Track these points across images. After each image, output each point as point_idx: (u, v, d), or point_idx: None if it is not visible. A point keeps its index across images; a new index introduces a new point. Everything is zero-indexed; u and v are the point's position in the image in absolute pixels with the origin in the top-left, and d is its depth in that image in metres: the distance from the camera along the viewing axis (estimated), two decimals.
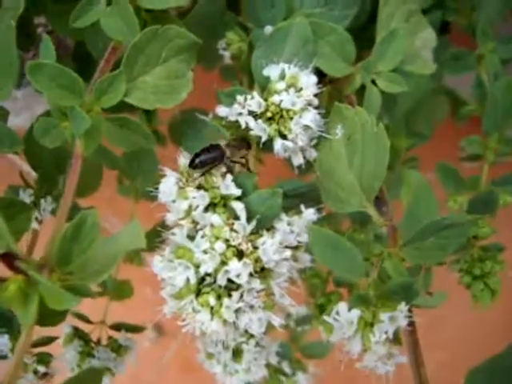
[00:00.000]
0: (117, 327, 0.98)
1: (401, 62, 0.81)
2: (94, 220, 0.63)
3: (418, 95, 0.96)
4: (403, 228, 0.72)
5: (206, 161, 0.69)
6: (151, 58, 0.69)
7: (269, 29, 0.80)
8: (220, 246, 0.65)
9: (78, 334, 0.96)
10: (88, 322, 0.98)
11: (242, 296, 0.67)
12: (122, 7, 0.72)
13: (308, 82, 0.73)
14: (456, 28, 1.08)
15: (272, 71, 0.73)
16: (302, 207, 0.72)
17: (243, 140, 0.73)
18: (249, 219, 0.67)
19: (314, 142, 0.74)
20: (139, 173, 0.98)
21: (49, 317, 0.65)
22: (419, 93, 0.95)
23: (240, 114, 0.72)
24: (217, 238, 0.66)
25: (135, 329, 0.98)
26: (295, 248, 0.70)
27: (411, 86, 0.82)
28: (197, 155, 0.69)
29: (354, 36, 0.83)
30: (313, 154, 0.74)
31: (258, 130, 0.71)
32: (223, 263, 0.65)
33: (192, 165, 0.69)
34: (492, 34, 0.97)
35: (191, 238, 0.68)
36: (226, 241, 0.66)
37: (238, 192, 0.68)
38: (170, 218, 0.69)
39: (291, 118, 0.71)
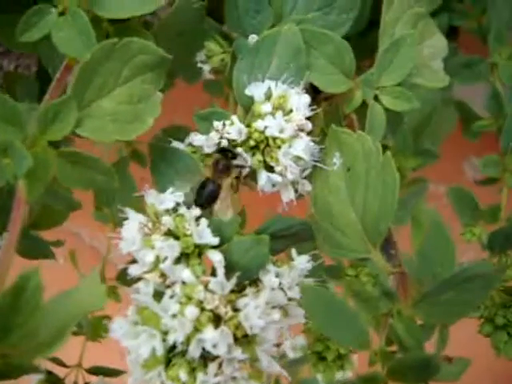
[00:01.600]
0: (94, 371, 0.83)
1: (408, 75, 0.65)
2: (37, 283, 0.48)
3: (427, 109, 0.80)
4: (415, 275, 0.56)
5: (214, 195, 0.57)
6: (108, 78, 0.54)
7: (253, 38, 0.64)
8: (192, 311, 0.49)
9: (51, 379, 0.81)
10: (63, 365, 0.83)
11: (220, 367, 0.51)
12: (77, 17, 0.57)
13: (299, 102, 0.57)
14: (463, 33, 0.93)
15: (256, 90, 0.58)
16: (294, 253, 0.57)
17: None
18: (228, 273, 0.52)
19: (308, 171, 0.58)
20: (115, 198, 0.83)
21: None
22: (428, 106, 0.80)
23: (218, 144, 0.57)
24: (189, 299, 0.50)
25: (114, 372, 0.82)
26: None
27: (419, 100, 0.66)
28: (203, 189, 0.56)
29: (352, 44, 0.67)
30: (306, 187, 0.58)
31: (239, 161, 0.56)
32: (196, 330, 0.50)
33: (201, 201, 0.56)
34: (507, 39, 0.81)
35: (160, 295, 0.52)
36: (200, 303, 0.50)
37: (214, 241, 0.52)
38: (135, 271, 0.54)
39: (279, 148, 0.56)
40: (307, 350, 0.76)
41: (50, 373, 0.82)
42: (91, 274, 0.56)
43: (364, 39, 0.84)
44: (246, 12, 0.67)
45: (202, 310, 0.50)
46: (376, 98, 0.64)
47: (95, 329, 0.85)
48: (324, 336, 0.72)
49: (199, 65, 0.70)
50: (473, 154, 1.24)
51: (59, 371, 0.83)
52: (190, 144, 0.61)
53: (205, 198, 0.56)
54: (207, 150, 0.57)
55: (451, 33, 0.85)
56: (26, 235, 0.75)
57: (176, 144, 0.62)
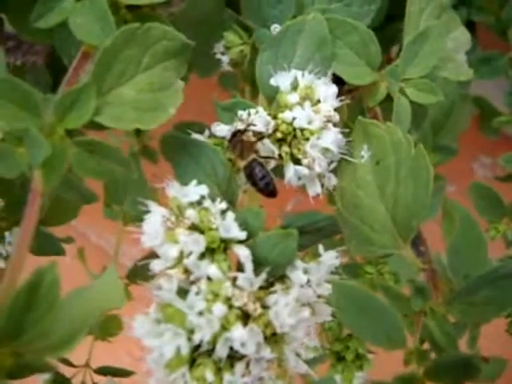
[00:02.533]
0: (102, 371, 0.80)
1: (433, 67, 0.62)
2: (53, 278, 0.45)
3: (447, 103, 0.78)
4: (446, 272, 0.53)
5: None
6: (129, 65, 0.50)
7: (276, 28, 0.61)
8: (219, 308, 0.46)
9: (58, 379, 0.78)
10: (70, 365, 0.80)
11: (247, 367, 0.48)
12: (95, 3, 0.54)
13: (327, 93, 0.54)
14: (480, 27, 0.90)
15: (282, 80, 0.55)
16: (321, 249, 0.54)
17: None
18: (256, 268, 0.49)
19: (334, 165, 0.56)
20: (126, 195, 0.79)
21: None
22: (447, 102, 0.77)
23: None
24: (215, 296, 0.47)
25: (123, 373, 0.79)
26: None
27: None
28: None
29: None
30: (332, 181, 0.55)
31: (265, 152, 0.53)
32: (224, 328, 0.47)
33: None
34: None
35: (184, 292, 0.49)
36: (228, 300, 0.47)
37: (241, 235, 0.49)
38: (157, 267, 0.51)
39: (307, 139, 0.53)
40: (321, 350, 0.73)
41: (57, 372, 0.79)
42: (108, 270, 0.52)
43: (382, 33, 0.81)
44: (267, 2, 0.64)
45: (230, 307, 0.47)
46: (401, 91, 0.62)
47: (103, 328, 0.82)
48: (343, 335, 0.69)
49: (218, 56, 0.67)
50: (483, 153, 1.22)
51: (66, 371, 0.80)
52: (212, 136, 0.58)
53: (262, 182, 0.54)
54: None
55: (468, 28, 0.83)
56: (37, 232, 0.72)
57: (196, 136, 0.59)
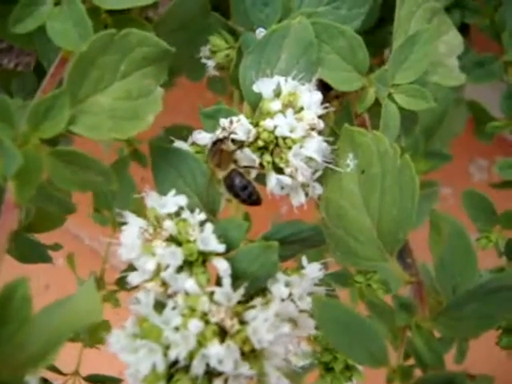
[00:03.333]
0: (92, 379, 0.78)
1: (423, 72, 0.60)
2: (24, 293, 0.43)
3: (439, 109, 0.75)
4: (434, 285, 0.51)
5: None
6: (106, 72, 0.48)
7: (261, 32, 0.59)
8: (195, 324, 0.44)
9: None
10: (59, 372, 0.78)
11: (226, 383, 0.46)
12: (73, 8, 0.52)
13: (311, 99, 0.52)
14: (475, 30, 0.87)
15: (264, 87, 0.53)
16: (304, 261, 0.51)
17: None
18: (235, 282, 0.47)
19: (319, 174, 0.53)
20: (114, 200, 0.77)
21: None
22: (439, 107, 0.75)
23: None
24: (192, 311, 0.45)
25: (113, 381, 0.77)
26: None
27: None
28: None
29: None
30: (317, 190, 0.53)
31: (246, 162, 0.51)
32: (200, 345, 0.45)
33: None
34: None
35: (162, 306, 0.47)
36: (204, 315, 0.45)
37: (220, 248, 0.47)
38: (134, 279, 0.49)
39: (289, 148, 0.50)
40: (311, 358, 0.71)
41: (45, 380, 0.77)
42: (87, 282, 0.50)
43: (373, 36, 0.79)
44: (254, 5, 0.62)
45: (207, 322, 0.45)
46: (390, 97, 0.59)
47: (93, 335, 0.80)
48: (331, 346, 0.67)
49: (203, 60, 0.65)
50: (479, 155, 1.20)
51: (55, 379, 0.78)
52: (194, 143, 0.56)
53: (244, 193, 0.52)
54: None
55: (462, 30, 0.80)
56: (22, 238, 0.70)
57: (179, 144, 0.57)
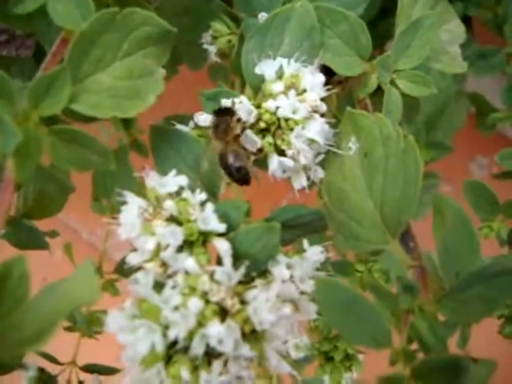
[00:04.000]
0: (89, 369, 0.77)
1: (426, 59, 0.59)
2: (22, 271, 0.42)
3: (441, 99, 0.75)
4: (436, 269, 0.51)
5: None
6: (107, 50, 0.48)
7: (263, 16, 0.59)
8: (195, 303, 0.43)
9: (43, 377, 0.75)
10: (56, 362, 0.77)
11: (225, 365, 0.46)
12: None
13: (313, 82, 0.52)
14: (477, 22, 0.87)
15: (266, 68, 0.52)
16: (305, 244, 0.51)
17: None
18: (235, 262, 0.46)
19: (321, 157, 0.53)
20: (114, 188, 0.77)
21: None
22: (441, 97, 0.74)
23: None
24: (192, 290, 0.45)
25: (110, 370, 0.76)
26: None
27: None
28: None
29: None
30: (319, 173, 0.53)
31: (248, 143, 0.50)
32: (200, 325, 0.44)
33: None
34: None
35: (160, 286, 0.47)
36: (204, 294, 0.44)
37: (221, 228, 0.46)
38: (134, 259, 0.48)
39: (291, 130, 0.50)
40: (311, 350, 0.70)
41: (42, 370, 0.76)
42: (84, 264, 0.50)
43: (375, 28, 0.79)
44: None
45: (207, 302, 0.44)
46: (392, 82, 0.59)
47: (91, 324, 0.79)
48: (332, 335, 0.66)
49: (205, 46, 0.64)
50: (479, 152, 1.19)
51: (52, 368, 0.77)
52: (196, 127, 0.55)
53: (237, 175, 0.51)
54: None
55: (464, 22, 0.80)
56: (20, 225, 0.70)
57: (180, 127, 0.56)
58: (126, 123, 0.78)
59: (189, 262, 0.45)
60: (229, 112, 0.49)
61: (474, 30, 0.85)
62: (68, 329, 0.79)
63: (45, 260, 0.83)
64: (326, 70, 0.59)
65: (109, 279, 0.79)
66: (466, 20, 0.84)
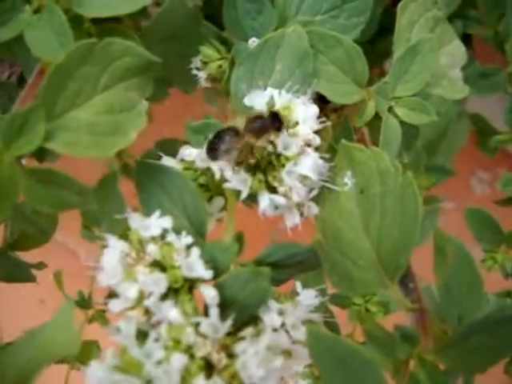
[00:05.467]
0: None
1: (425, 85, 0.56)
2: None
3: (442, 123, 0.71)
4: (438, 312, 0.47)
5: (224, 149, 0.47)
6: (86, 84, 0.44)
7: (254, 41, 0.55)
8: (179, 358, 0.40)
9: None
10: None
11: None
12: (54, 16, 0.48)
13: (306, 114, 0.48)
14: (478, 40, 0.83)
15: (256, 99, 0.49)
16: (299, 287, 0.47)
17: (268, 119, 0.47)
18: (224, 310, 0.43)
19: (315, 192, 0.49)
20: (103, 217, 0.73)
21: None
22: (442, 120, 0.70)
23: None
24: (176, 343, 0.41)
25: None
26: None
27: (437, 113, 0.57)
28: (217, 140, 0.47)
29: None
30: (313, 210, 0.49)
31: (237, 181, 0.46)
32: (185, 381, 0.41)
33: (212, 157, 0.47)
34: None
35: (144, 335, 0.43)
36: (189, 348, 0.41)
37: (207, 275, 0.43)
38: (116, 307, 0.44)
39: (283, 166, 0.46)
40: None
41: None
42: (64, 309, 0.46)
43: (373, 46, 0.76)
44: (247, 13, 0.58)
45: (192, 356, 0.41)
46: (390, 110, 0.55)
47: (81, 356, 0.75)
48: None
49: (194, 72, 0.60)
50: (481, 168, 1.15)
51: None
52: (183, 159, 0.52)
53: (224, 149, 0.46)
54: (200, 165, 0.48)
55: (465, 41, 0.76)
56: (6, 257, 0.66)
57: (166, 159, 0.53)
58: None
59: (172, 312, 0.41)
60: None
61: (474, 49, 0.81)
62: (58, 361, 0.75)
63: (43, 281, 0.79)
64: (321, 98, 0.56)
65: (99, 310, 0.76)
66: (467, 38, 0.80)
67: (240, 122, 0.51)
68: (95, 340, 0.80)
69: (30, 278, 0.66)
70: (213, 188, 0.52)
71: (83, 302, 0.75)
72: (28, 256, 0.73)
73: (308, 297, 0.46)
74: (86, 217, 0.75)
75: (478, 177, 1.16)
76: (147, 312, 0.44)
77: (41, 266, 0.68)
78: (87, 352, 0.76)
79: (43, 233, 0.50)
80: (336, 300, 0.65)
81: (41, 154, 0.63)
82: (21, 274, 0.65)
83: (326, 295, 0.53)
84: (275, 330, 0.44)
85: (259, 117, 0.47)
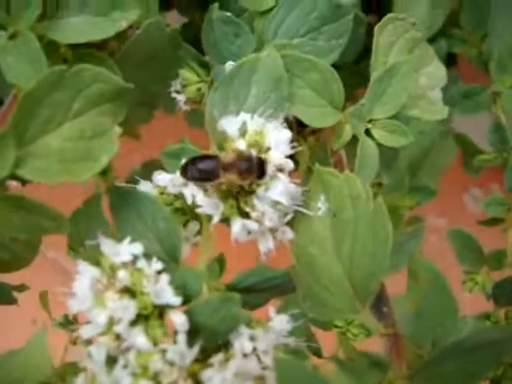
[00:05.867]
0: None
1: (402, 106, 0.56)
2: None
3: (425, 143, 0.71)
4: (411, 339, 0.47)
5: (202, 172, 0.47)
6: (57, 111, 0.44)
7: (231, 65, 0.56)
8: None
9: None
10: None
11: None
12: (28, 42, 0.48)
13: (278, 138, 0.48)
14: (463, 60, 0.83)
15: (228, 125, 0.49)
16: (272, 312, 0.47)
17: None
18: (193, 337, 0.42)
19: (290, 217, 0.49)
20: (88, 237, 0.73)
21: None
22: (425, 140, 0.70)
23: (185, 183, 0.47)
24: (144, 370, 0.41)
25: None
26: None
27: (417, 133, 0.57)
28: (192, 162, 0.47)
29: (346, 72, 0.58)
30: (288, 234, 0.49)
31: (208, 206, 0.46)
32: None
33: (185, 175, 0.47)
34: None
35: (114, 362, 0.43)
36: (156, 376, 0.41)
37: (175, 301, 0.43)
38: (86, 332, 0.44)
39: (254, 191, 0.46)
40: None
41: None
42: (38, 334, 0.46)
43: (358, 66, 0.76)
44: (224, 36, 0.58)
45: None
46: (367, 133, 0.55)
47: (63, 379, 0.75)
48: None
49: (173, 95, 0.61)
50: (474, 185, 1.15)
51: None
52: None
53: (197, 172, 0.47)
54: (172, 190, 0.48)
55: (449, 60, 0.76)
56: None
57: (143, 184, 0.53)
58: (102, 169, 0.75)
59: (139, 338, 0.41)
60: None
61: (460, 68, 0.81)
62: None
63: (35, 301, 0.79)
64: (299, 121, 0.56)
65: None
66: (452, 57, 0.81)
67: (214, 149, 0.51)
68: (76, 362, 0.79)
69: (11, 301, 0.66)
70: (189, 212, 0.52)
71: (67, 324, 0.75)
72: (17, 274, 0.73)
73: (280, 322, 0.46)
74: (72, 238, 0.75)
75: (471, 193, 1.15)
76: (118, 338, 0.44)
77: (23, 288, 0.68)
78: (69, 375, 0.76)
79: (21, 259, 0.50)
80: (318, 322, 0.64)
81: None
82: (2, 296, 0.65)
83: (305, 318, 0.53)
84: (245, 355, 0.44)
85: (249, 158, 0.46)
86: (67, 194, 0.79)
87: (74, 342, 0.74)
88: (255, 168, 0.46)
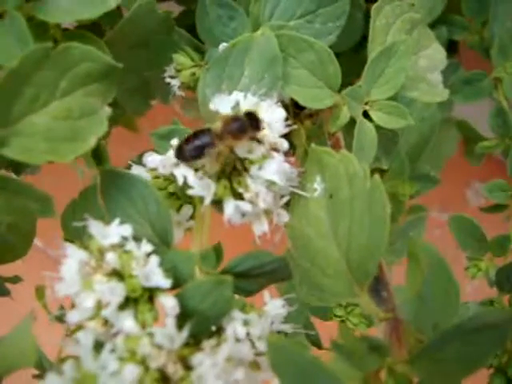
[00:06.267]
0: None
1: (401, 88, 0.54)
2: None
3: (425, 129, 0.69)
4: (412, 321, 0.45)
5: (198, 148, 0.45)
6: (43, 89, 0.43)
7: (224, 46, 0.54)
8: (131, 370, 0.38)
9: None
10: None
11: None
12: (15, 23, 0.47)
13: (272, 117, 0.46)
14: (464, 47, 0.81)
15: (221, 104, 0.47)
16: (267, 297, 0.45)
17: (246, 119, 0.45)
18: (184, 321, 0.41)
19: (286, 199, 0.47)
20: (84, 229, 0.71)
21: None
22: (426, 126, 0.68)
23: (176, 164, 0.46)
24: (132, 355, 0.39)
25: None
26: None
27: (417, 119, 0.55)
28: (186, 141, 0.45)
29: (345, 59, 0.56)
30: (283, 217, 0.47)
31: (200, 187, 0.45)
32: None
33: (182, 156, 0.45)
34: None
35: (101, 346, 0.41)
36: (144, 360, 0.39)
37: (165, 284, 0.41)
38: (73, 317, 0.43)
39: (247, 170, 0.45)
40: None
41: None
42: (22, 323, 0.45)
43: (357, 54, 0.74)
44: (219, 19, 0.56)
45: (147, 368, 0.39)
46: (365, 114, 0.54)
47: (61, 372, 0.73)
48: None
49: (167, 80, 0.59)
50: (476, 179, 1.13)
51: None
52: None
53: (194, 149, 0.45)
54: (163, 171, 0.46)
55: (450, 47, 0.75)
56: None
57: (135, 168, 0.51)
58: (99, 160, 0.73)
59: (127, 322, 0.40)
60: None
61: (461, 55, 0.79)
62: (37, 376, 0.73)
63: (32, 297, 0.78)
64: (296, 103, 0.54)
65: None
66: (453, 44, 0.79)
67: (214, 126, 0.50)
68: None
69: (5, 293, 0.64)
70: (182, 196, 0.50)
71: (62, 316, 0.73)
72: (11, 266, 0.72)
73: (275, 307, 0.44)
74: (67, 230, 0.73)
75: (473, 187, 1.13)
76: (106, 323, 0.42)
77: (16, 279, 0.66)
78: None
79: (14, 250, 0.48)
80: (317, 311, 0.62)
81: (17, 167, 0.62)
82: None
83: (304, 307, 0.52)
84: (238, 340, 0.42)
85: (236, 118, 0.45)
86: (70, 188, 0.78)
87: (71, 333, 0.72)
88: (247, 124, 0.44)
